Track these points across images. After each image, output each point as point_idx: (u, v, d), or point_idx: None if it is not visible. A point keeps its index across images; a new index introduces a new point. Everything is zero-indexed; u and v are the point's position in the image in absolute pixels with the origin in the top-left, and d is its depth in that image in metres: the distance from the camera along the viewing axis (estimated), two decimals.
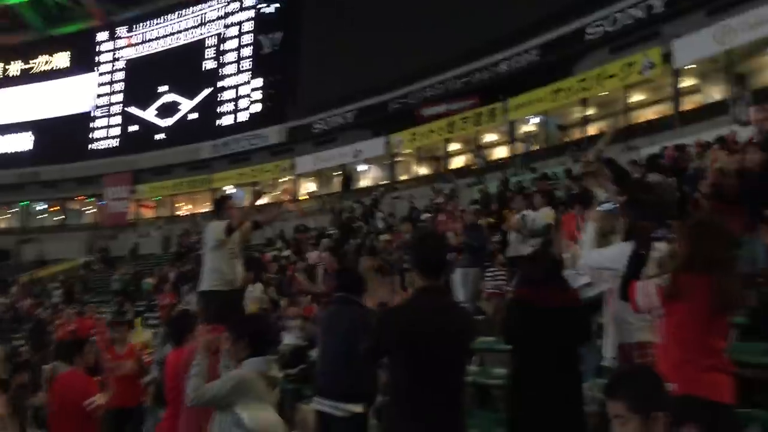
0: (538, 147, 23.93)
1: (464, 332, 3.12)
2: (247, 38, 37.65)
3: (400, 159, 31.66)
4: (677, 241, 3.17)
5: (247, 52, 37.55)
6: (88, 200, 41.43)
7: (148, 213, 39.92)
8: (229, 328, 4.04)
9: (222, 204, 6.78)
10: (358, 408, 4.43)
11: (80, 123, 41.33)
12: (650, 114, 23.50)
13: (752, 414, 3.71)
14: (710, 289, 2.92)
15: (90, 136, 41.37)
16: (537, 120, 26.31)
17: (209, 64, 38.71)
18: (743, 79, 20.24)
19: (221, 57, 38.40)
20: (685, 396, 2.81)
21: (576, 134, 25.28)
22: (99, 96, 41.88)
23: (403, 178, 31.68)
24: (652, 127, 21.68)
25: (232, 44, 38.20)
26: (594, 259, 4.29)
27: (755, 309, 5.65)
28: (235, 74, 37.81)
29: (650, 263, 3.40)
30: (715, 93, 20.77)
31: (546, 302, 3.71)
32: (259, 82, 36.89)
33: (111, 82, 41.82)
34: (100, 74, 42.13)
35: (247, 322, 4.10)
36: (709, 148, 11.08)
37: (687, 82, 21.89)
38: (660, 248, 3.55)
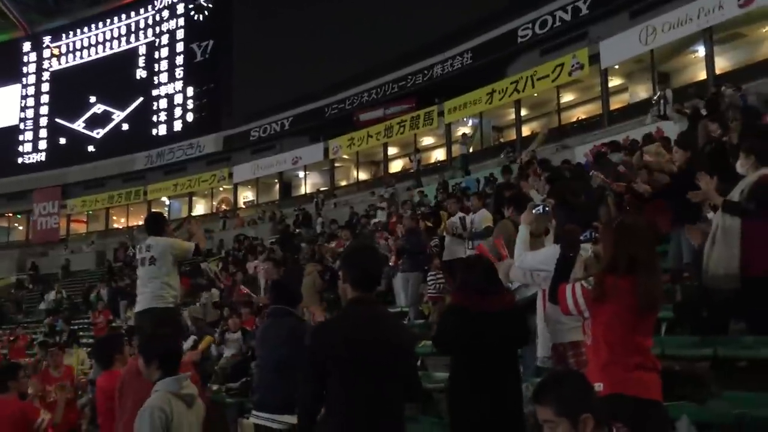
0: (471, 150, 24.20)
1: (399, 341, 3.12)
2: (180, 46, 37.05)
3: (339, 164, 31.63)
4: (601, 243, 3.25)
5: (179, 60, 36.96)
6: (17, 216, 39.96)
7: (79, 228, 38.77)
8: (140, 350, 3.97)
9: (162, 222, 6.70)
10: (294, 419, 4.42)
11: (7, 137, 39.90)
12: (581, 113, 24.15)
13: (681, 407, 3.83)
14: (635, 290, 3.01)
15: (17, 149, 39.94)
16: (471, 122, 26.69)
17: (141, 73, 37.89)
18: (667, 78, 21.01)
19: (153, 65, 37.67)
20: (613, 395, 2.88)
21: (511, 135, 25.75)
22: (25, 108, 40.48)
23: (343, 183, 31.68)
24: (583, 127, 22.30)
25: (164, 52, 37.52)
26: (527, 261, 4.38)
27: (680, 303, 5.85)
28: (167, 83, 37.12)
29: (577, 265, 3.48)
30: (641, 92, 21.48)
31: (484, 307, 3.75)
32: (192, 90, 36.32)
33: (37, 94, 40.49)
34: (25, 86, 40.74)
35: (155, 342, 4.01)
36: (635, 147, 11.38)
37: (614, 82, 22.57)
38: (586, 250, 3.64)
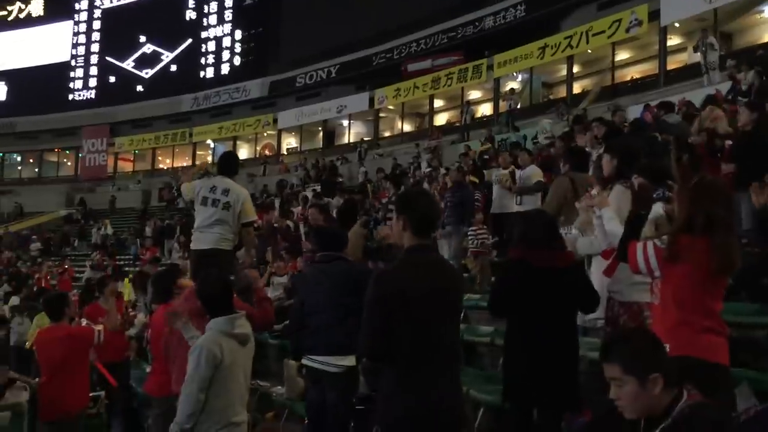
0: (519, 105, 23.78)
1: (456, 289, 3.13)
2: None
3: (383, 115, 31.41)
4: (676, 201, 3.14)
5: (228, 2, 36.76)
6: (65, 152, 40.83)
7: (126, 166, 39.47)
8: (197, 288, 4.06)
9: (237, 165, 6.67)
10: (350, 361, 4.45)
11: (57, 73, 40.48)
12: (636, 72, 23.43)
13: (741, 373, 3.76)
14: (710, 251, 2.91)
15: (68, 86, 40.52)
16: (520, 77, 26.14)
17: (190, 14, 37.86)
18: (729, 38, 20.18)
19: (203, 7, 37.59)
20: (681, 357, 2.81)
21: (561, 92, 25.16)
22: (76, 45, 40.91)
23: (387, 134, 31.49)
24: (637, 86, 21.64)
25: None
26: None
27: (740, 270, 5.69)
28: (216, 25, 37.06)
29: (647, 224, 3.38)
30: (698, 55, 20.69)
31: (546, 262, 3.69)
32: (240, 34, 36.21)
33: (88, 31, 40.82)
34: (77, 23, 41.08)
35: (203, 284, 4.06)
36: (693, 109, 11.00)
37: (673, 41, 21.77)
38: (656, 209, 3.52)
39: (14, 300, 11.94)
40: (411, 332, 2.88)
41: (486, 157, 15.64)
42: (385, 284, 2.96)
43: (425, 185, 15.11)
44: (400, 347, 2.88)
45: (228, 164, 6.47)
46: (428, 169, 17.41)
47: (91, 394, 6.21)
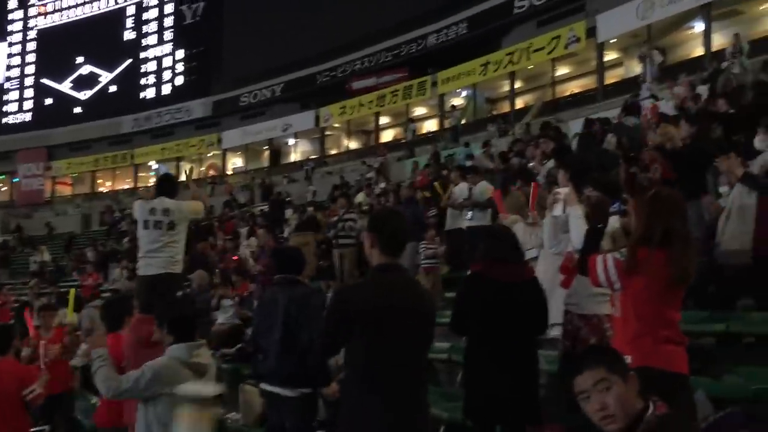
0: (463, 121, 24.15)
1: (422, 310, 3.09)
2: (169, 7, 36.35)
3: (329, 133, 31.38)
4: (634, 214, 3.18)
5: (168, 22, 36.29)
6: (0, 177, 39.46)
7: (65, 190, 38.35)
8: (156, 314, 3.92)
9: (176, 184, 6.51)
10: (307, 390, 4.37)
11: None
12: (575, 87, 24.04)
13: (696, 381, 3.83)
14: (667, 263, 2.96)
15: (1, 109, 39.26)
16: (464, 93, 26.52)
17: (129, 35, 37.20)
18: (663, 53, 20.88)
19: (142, 27, 36.97)
20: (643, 368, 2.84)
21: (504, 107, 25.61)
22: (10, 67, 39.70)
23: (333, 151, 31.46)
24: (577, 101, 22.19)
25: (153, 13, 36.81)
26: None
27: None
28: (156, 45, 36.49)
29: (605, 237, 3.43)
30: (637, 67, 21.35)
31: (511, 277, 3.71)
32: (181, 53, 35.74)
33: (23, 53, 39.68)
34: (11, 44, 39.90)
35: (169, 307, 3.95)
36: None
37: (610, 56, 22.43)
38: (613, 223, 3.58)
39: None
40: (372, 351, 2.85)
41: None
42: (347, 300, 2.93)
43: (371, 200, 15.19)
44: (362, 365, 2.85)
45: (166, 185, 6.30)
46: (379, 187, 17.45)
47: (34, 430, 5.93)
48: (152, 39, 36.63)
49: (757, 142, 5.17)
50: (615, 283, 3.11)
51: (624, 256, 3.07)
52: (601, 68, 21.83)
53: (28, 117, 38.97)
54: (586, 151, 8.13)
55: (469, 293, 3.84)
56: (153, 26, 36.74)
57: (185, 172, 8.32)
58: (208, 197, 8.14)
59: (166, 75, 35.94)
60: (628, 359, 2.90)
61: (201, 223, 12.76)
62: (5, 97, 39.47)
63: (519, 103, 24.82)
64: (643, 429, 2.21)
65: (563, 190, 4.34)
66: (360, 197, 16.61)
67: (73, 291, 6.91)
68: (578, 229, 3.88)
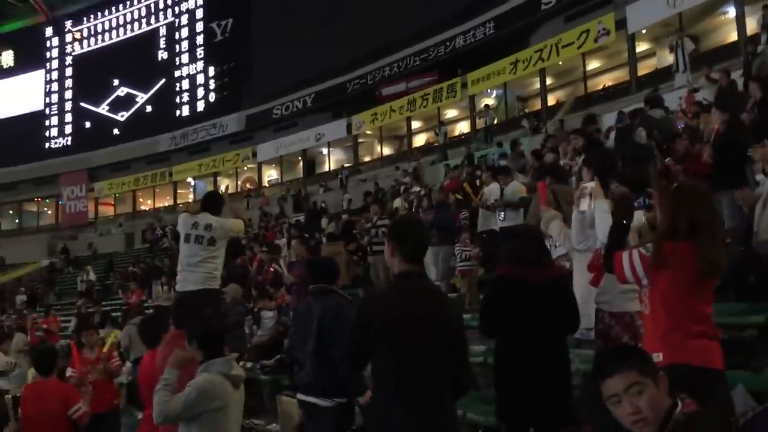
0: (495, 121, 24.03)
1: (444, 316, 3.07)
2: (199, 26, 36.96)
3: (362, 140, 31.50)
4: (658, 208, 3.12)
5: (199, 40, 36.88)
6: (45, 201, 40.51)
7: (107, 210, 39.21)
8: (186, 330, 3.97)
9: (221, 202, 6.61)
10: (342, 399, 4.37)
11: (33, 122, 40.26)
12: (607, 81, 23.70)
13: (735, 376, 3.72)
14: (695, 255, 2.89)
15: (44, 134, 40.34)
16: (495, 93, 26.37)
17: (162, 55, 37.93)
18: (696, 41, 20.46)
19: (174, 46, 37.65)
20: (674, 365, 2.78)
21: (536, 105, 25.39)
22: (49, 94, 40.80)
23: (367, 159, 31.57)
24: (610, 94, 21.88)
25: (184, 33, 37.47)
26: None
27: (726, 269, 5.69)
28: (188, 63, 37.12)
29: (631, 233, 3.36)
30: (670, 56, 20.96)
31: (537, 278, 3.67)
32: (213, 70, 36.29)
33: (61, 78, 40.74)
34: (49, 71, 41.02)
35: (197, 324, 4.02)
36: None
37: (642, 47, 22.07)
38: (638, 218, 3.51)
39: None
40: (394, 358, 2.85)
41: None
42: (370, 309, 2.94)
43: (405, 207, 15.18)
44: (385, 372, 2.85)
45: (210, 202, 6.39)
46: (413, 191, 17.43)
47: None
48: (185, 58, 37.27)
49: None
50: (642, 278, 3.05)
51: (650, 251, 3.01)
52: (633, 60, 21.48)
53: (68, 141, 39.96)
54: (622, 144, 7.98)
55: (495, 296, 3.80)
56: (185, 45, 37.37)
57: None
58: (246, 212, 8.27)
59: (200, 92, 36.51)
60: (659, 356, 2.85)
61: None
62: (46, 123, 40.52)
63: (551, 99, 24.58)
64: (671, 428, 2.16)
65: (589, 185, 4.27)
66: (397, 202, 16.63)
67: (115, 333, 7.05)
68: (604, 223, 3.82)
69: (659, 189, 3.21)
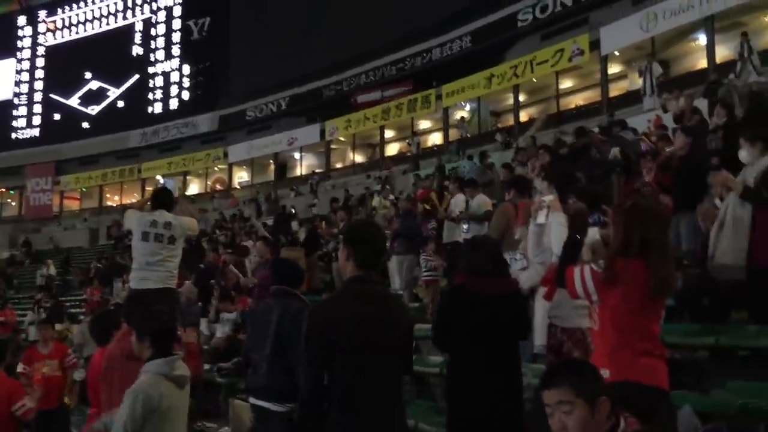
0: (469, 134, 24.20)
1: (396, 322, 3.03)
2: (176, 23, 36.67)
3: (335, 146, 31.46)
4: (612, 224, 3.15)
5: (176, 37, 36.61)
6: (9, 192, 39.72)
7: (73, 205, 38.57)
8: (134, 327, 3.86)
9: (171, 196, 6.50)
10: (296, 405, 4.28)
11: (1, 111, 39.54)
12: (579, 100, 24.02)
13: (683, 396, 3.77)
14: (646, 273, 2.91)
15: (11, 124, 39.58)
16: (468, 107, 26.56)
17: (137, 50, 37.53)
18: (667, 65, 20.86)
19: (150, 42, 37.30)
20: (620, 382, 2.79)
21: (509, 120, 25.62)
22: (19, 83, 40.09)
23: (339, 165, 31.53)
24: (581, 113, 22.17)
25: (160, 29, 37.15)
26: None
27: (680, 291, 5.77)
28: (164, 60, 36.79)
29: (584, 248, 3.38)
30: (641, 79, 21.32)
31: (492, 290, 3.65)
32: (188, 68, 36.00)
33: (32, 69, 40.08)
34: (20, 60, 40.33)
35: (150, 320, 3.92)
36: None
37: (614, 69, 22.42)
38: (592, 234, 3.54)
39: None
40: (343, 367, 2.80)
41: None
42: (318, 318, 2.88)
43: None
44: (337, 382, 2.80)
45: (164, 199, 6.27)
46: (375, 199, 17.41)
47: None
48: (160, 54, 36.95)
49: (742, 154, 5.07)
50: (592, 294, 3.06)
51: (601, 268, 3.03)
52: (605, 81, 21.81)
53: (36, 132, 39.31)
54: (575, 161, 8.07)
55: (450, 306, 3.79)
56: (161, 42, 37.04)
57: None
58: (197, 215, 8.18)
59: (173, 90, 36.20)
60: (606, 372, 2.86)
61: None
62: (14, 113, 39.82)
63: (523, 115, 24.85)
64: None
65: (547, 198, 4.30)
66: (375, 201, 16.52)
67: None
68: (559, 236, 3.85)
69: (617, 206, 3.23)
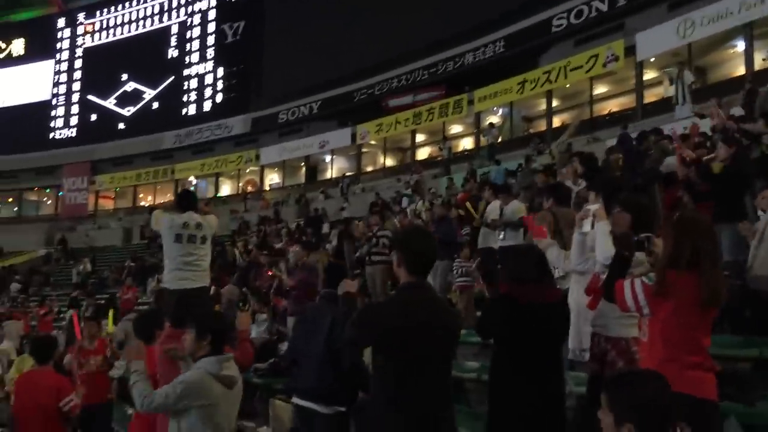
0: (499, 139, 24.14)
1: (446, 328, 3.10)
2: (211, 26, 37.13)
3: (366, 150, 31.60)
4: (661, 237, 3.16)
5: (210, 40, 37.04)
6: (46, 191, 40.53)
7: (107, 204, 39.24)
8: (193, 324, 3.90)
9: (196, 199, 6.63)
10: (342, 408, 4.34)
11: (38, 111, 40.35)
12: (613, 106, 23.83)
13: (728, 408, 3.76)
14: (698, 284, 2.93)
15: (49, 125, 40.40)
16: (501, 112, 26.49)
17: (172, 53, 38.06)
18: (704, 72, 20.63)
19: (185, 45, 37.79)
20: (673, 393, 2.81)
21: (541, 126, 25.51)
22: (57, 84, 40.92)
23: (369, 169, 31.65)
24: (615, 120, 21.97)
25: (195, 32, 37.61)
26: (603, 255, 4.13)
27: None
28: (198, 63, 37.26)
29: (633, 265, 3.40)
30: (672, 87, 21.10)
31: (536, 298, 3.67)
32: (222, 71, 36.42)
33: (70, 70, 40.87)
34: (59, 62, 41.13)
35: (209, 319, 4.00)
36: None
37: (649, 75, 22.22)
38: (639, 257, 3.55)
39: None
40: (394, 368, 2.88)
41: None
42: (370, 316, 2.96)
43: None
44: (385, 382, 2.87)
45: (191, 201, 6.37)
46: (411, 205, 17.44)
47: None
48: (194, 57, 37.42)
49: None
50: (644, 308, 3.08)
51: (652, 280, 3.05)
52: (640, 87, 21.62)
53: (73, 132, 40.04)
54: (634, 167, 7.98)
55: (495, 314, 3.81)
56: (195, 44, 37.52)
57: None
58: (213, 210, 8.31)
59: (207, 92, 36.63)
60: None
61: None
62: (52, 113, 40.60)
63: (556, 121, 24.71)
64: None
65: (593, 207, 4.31)
66: (419, 205, 16.57)
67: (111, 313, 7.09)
68: (603, 244, 3.86)
69: (665, 219, 3.25)
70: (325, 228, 18.95)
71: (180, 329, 4.38)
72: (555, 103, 24.88)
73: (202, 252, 5.99)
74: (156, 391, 3.71)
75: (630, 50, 21.05)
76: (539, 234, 4.95)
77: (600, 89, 24.11)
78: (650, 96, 21.85)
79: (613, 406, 2.21)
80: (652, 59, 21.52)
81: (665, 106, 19.43)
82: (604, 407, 2.24)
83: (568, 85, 23.88)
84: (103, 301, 19.44)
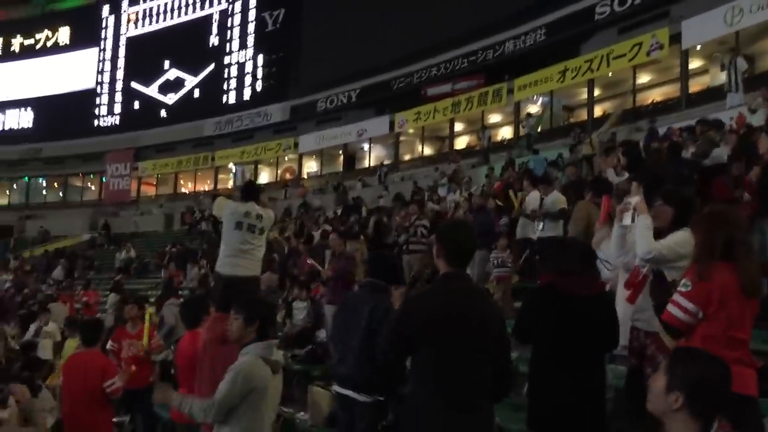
0: (539, 129, 23.87)
1: (486, 319, 3.12)
2: (252, 14, 37.38)
3: (404, 138, 31.56)
4: (693, 231, 3.14)
5: (251, 28, 37.30)
6: (90, 177, 41.47)
7: (149, 190, 39.99)
8: (241, 310, 3.94)
9: (259, 192, 6.73)
10: (381, 397, 4.38)
11: (83, 99, 41.17)
12: (657, 95, 23.37)
13: (766, 403, 3.70)
14: (734, 274, 2.90)
15: (93, 112, 41.24)
16: (541, 101, 26.19)
17: (213, 41, 38.45)
18: (752, 61, 20.08)
19: (226, 33, 38.13)
20: None
21: (582, 115, 25.15)
22: (101, 72, 41.69)
23: (407, 157, 31.62)
24: (658, 109, 21.58)
25: (236, 20, 37.91)
26: (658, 249, 4.00)
27: (764, 297, 5.63)
28: (239, 51, 37.58)
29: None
30: (723, 75, 20.59)
31: (580, 290, 3.64)
32: (262, 59, 36.68)
33: (113, 58, 41.59)
34: (102, 50, 41.90)
35: (258, 306, 4.07)
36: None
37: (695, 64, 21.72)
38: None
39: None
40: (435, 357, 2.92)
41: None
42: (411, 308, 3.00)
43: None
44: (425, 371, 2.92)
45: (255, 192, 6.48)
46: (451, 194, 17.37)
47: (115, 420, 6.25)
48: (235, 45, 37.73)
49: None
50: (698, 313, 3.06)
51: (687, 286, 3.03)
52: (685, 76, 21.15)
53: (116, 120, 40.81)
54: (673, 160, 7.83)
55: (537, 305, 3.79)
56: (236, 32, 37.82)
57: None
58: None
59: (247, 80, 36.94)
60: None
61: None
62: (96, 101, 41.42)
63: (597, 111, 24.30)
64: None
65: (634, 200, 4.26)
66: (456, 196, 16.58)
67: (150, 311, 7.25)
68: (644, 238, 3.82)
69: (696, 215, 3.23)
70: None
71: (225, 313, 4.48)
72: (597, 92, 24.47)
73: (258, 243, 6.07)
74: (216, 393, 3.71)
75: (675, 38, 20.57)
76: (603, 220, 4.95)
77: (643, 78, 23.65)
78: (695, 85, 21.38)
79: (672, 370, 2.19)
80: (698, 47, 21.02)
81: (711, 95, 19.03)
82: (660, 372, 2.23)
83: (610, 74, 23.47)
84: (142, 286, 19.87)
